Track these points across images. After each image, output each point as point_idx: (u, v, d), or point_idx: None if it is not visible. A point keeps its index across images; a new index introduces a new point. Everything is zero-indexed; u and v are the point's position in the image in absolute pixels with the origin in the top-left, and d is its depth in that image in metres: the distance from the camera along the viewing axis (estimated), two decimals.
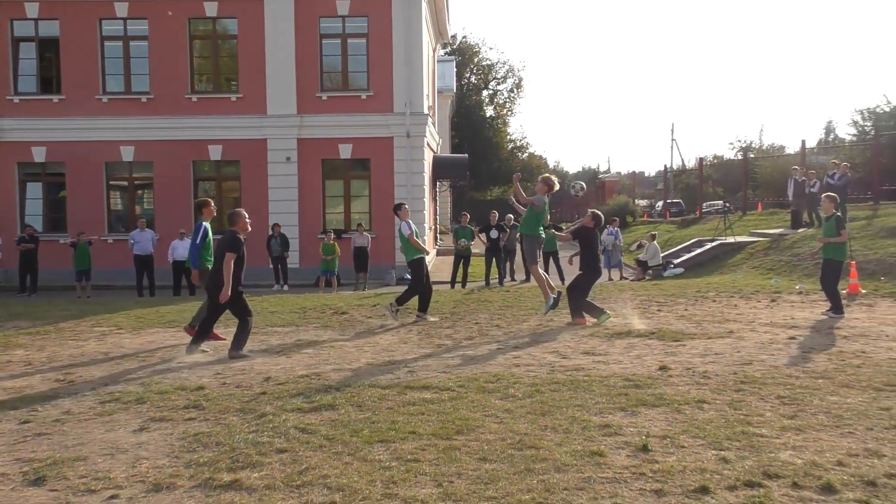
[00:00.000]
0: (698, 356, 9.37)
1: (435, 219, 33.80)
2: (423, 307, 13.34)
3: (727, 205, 33.08)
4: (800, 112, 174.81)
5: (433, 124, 31.54)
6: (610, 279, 23.42)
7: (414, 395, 7.59)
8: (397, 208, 13.62)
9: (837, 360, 8.86)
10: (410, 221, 13.54)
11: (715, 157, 70.08)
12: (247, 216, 10.47)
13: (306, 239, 25.81)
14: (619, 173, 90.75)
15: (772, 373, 8.25)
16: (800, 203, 24.69)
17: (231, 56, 26.34)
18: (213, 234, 11.60)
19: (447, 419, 6.66)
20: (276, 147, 26.00)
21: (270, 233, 23.88)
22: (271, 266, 23.57)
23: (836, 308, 12.56)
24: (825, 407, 6.81)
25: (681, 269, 23.44)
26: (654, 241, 24.63)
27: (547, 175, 12.83)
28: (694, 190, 47.62)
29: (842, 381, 7.80)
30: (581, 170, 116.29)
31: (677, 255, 25.56)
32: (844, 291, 15.42)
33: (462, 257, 21.95)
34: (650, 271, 23.96)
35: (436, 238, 34.09)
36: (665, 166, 53.28)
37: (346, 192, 26.63)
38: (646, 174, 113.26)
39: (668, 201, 47.20)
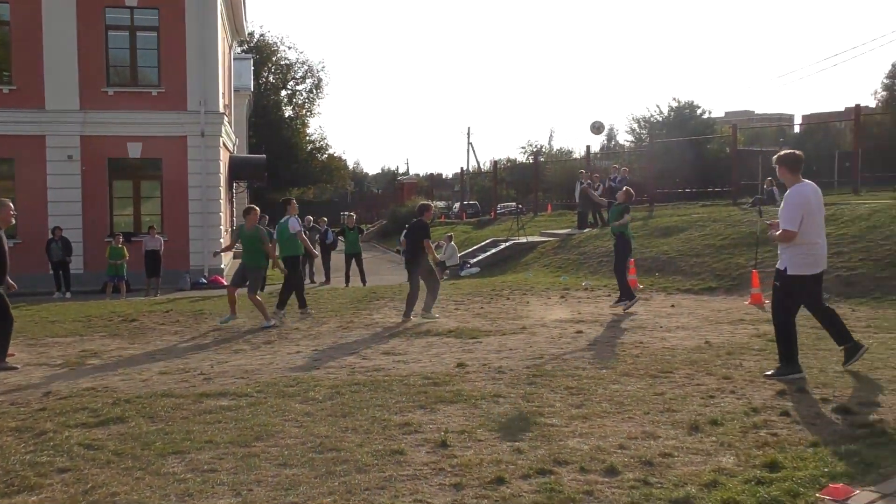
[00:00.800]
0: (494, 352, 9.71)
1: (232, 221, 32.80)
2: (302, 303, 14.00)
3: (520, 206, 34.50)
4: (585, 118, 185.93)
5: (229, 124, 30.64)
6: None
7: (210, 403, 7.33)
8: (286, 203, 14.10)
9: (619, 351, 9.50)
10: (297, 218, 14.08)
11: (508, 160, 72.84)
12: (11, 207, 9.71)
13: (92, 243, 24.25)
14: (417, 175, 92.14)
15: (561, 366, 8.70)
16: (585, 205, 26.22)
17: (3, 44, 24.27)
18: None
19: (245, 426, 6.49)
20: (56, 144, 24.25)
21: (50, 236, 22.27)
22: (52, 272, 21.96)
23: (627, 295, 13.56)
24: (608, 395, 7.27)
25: (477, 269, 24.19)
26: (452, 242, 25.27)
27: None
28: (489, 192, 49.30)
29: (623, 370, 8.36)
30: (380, 171, 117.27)
31: (473, 254, 26.36)
32: None
33: None
34: (447, 271, 24.56)
35: (233, 241, 33.12)
36: (462, 168, 54.96)
37: (135, 193, 25.31)
38: (444, 176, 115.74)
39: (465, 203, 48.56)
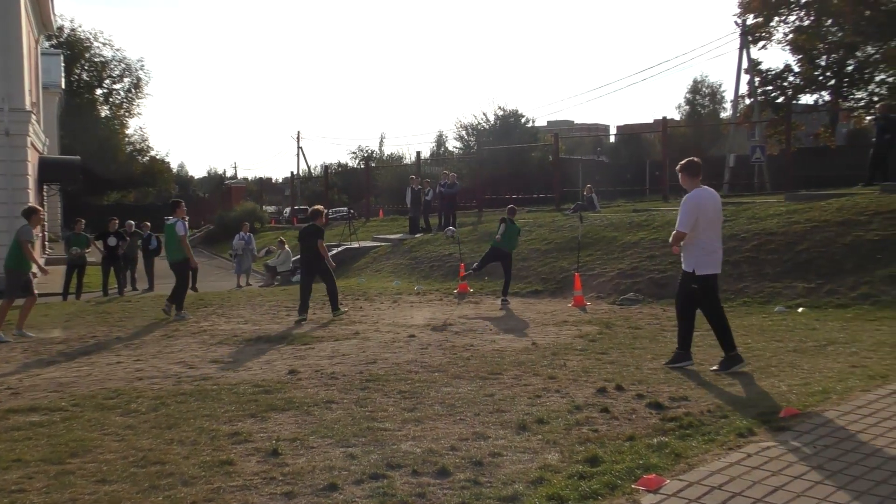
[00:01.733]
0: (326, 358, 9.62)
1: (43, 225, 30.68)
2: (180, 305, 13.95)
3: (351, 211, 34.44)
4: (414, 123, 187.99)
5: (38, 122, 28.67)
6: (239, 285, 23.17)
7: (19, 419, 6.83)
8: (175, 206, 14.18)
9: (450, 354, 9.65)
10: (185, 221, 14.12)
11: (340, 165, 72.45)
12: None
13: None
14: (246, 179, 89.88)
15: (394, 370, 8.74)
16: (416, 210, 26.52)
17: None
18: None
19: (59, 442, 6.09)
20: None
21: None
22: None
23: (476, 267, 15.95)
24: (440, 398, 7.37)
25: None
26: (286, 247, 24.88)
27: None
28: (321, 197, 48.85)
29: (454, 372, 8.50)
30: (207, 174, 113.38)
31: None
32: (455, 291, 16.91)
33: (76, 266, 20.21)
34: (279, 276, 24.13)
35: (44, 246, 30.95)
36: (292, 173, 54.17)
37: None
38: (274, 180, 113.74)
39: (296, 207, 47.88)
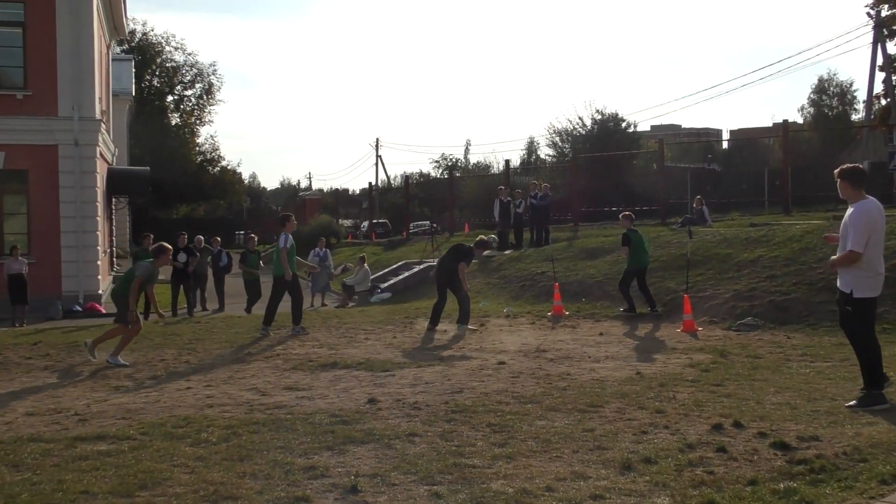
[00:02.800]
0: (408, 386, 9.67)
1: (111, 240, 31.90)
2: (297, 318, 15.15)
3: (434, 225, 34.65)
4: (504, 129, 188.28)
5: (108, 132, 29.85)
6: (311, 305, 23.56)
7: (86, 448, 7.06)
8: (284, 220, 15.28)
9: (545, 384, 9.58)
10: (290, 235, 15.02)
11: (421, 175, 73.07)
12: None
13: None
14: (321, 190, 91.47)
15: (482, 400, 8.72)
16: (506, 224, 26.50)
17: None
18: None
19: (128, 473, 6.27)
20: None
21: None
22: None
23: (629, 308, 16.06)
24: (534, 432, 7.31)
25: (388, 294, 24.14)
26: (365, 265, 25.21)
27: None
28: (400, 209, 49.33)
29: (549, 404, 8.42)
30: (279, 186, 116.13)
31: (384, 278, 26.30)
32: (549, 314, 16.80)
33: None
34: (356, 296, 24.43)
35: (112, 263, 32.16)
36: (370, 184, 55.02)
37: None
38: (350, 192, 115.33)
39: (374, 221, 48.52)
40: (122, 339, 12.45)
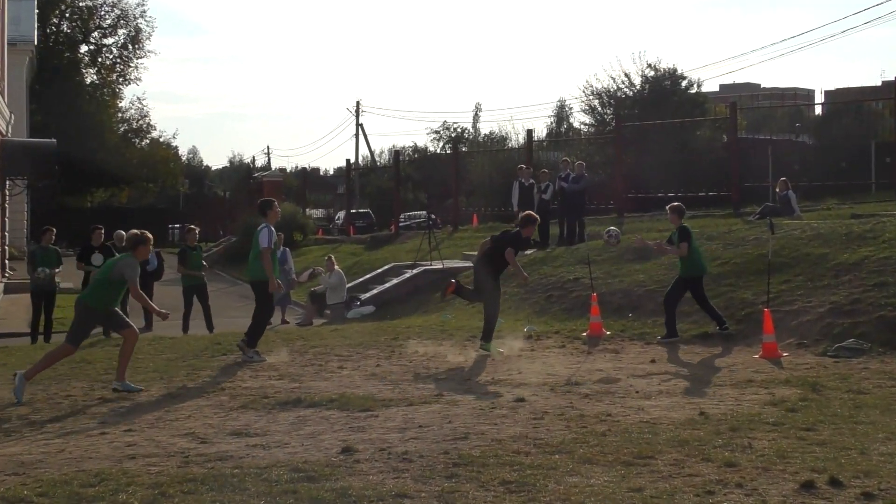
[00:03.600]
0: (396, 431, 9.62)
1: (2, 236, 31.85)
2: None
3: (433, 217, 34.63)
4: (525, 91, 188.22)
5: (1, 93, 29.82)
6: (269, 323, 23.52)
7: None
8: (266, 207, 15.45)
9: (577, 428, 9.52)
10: (273, 229, 15.29)
11: (416, 149, 73.16)
12: None
13: None
14: (283, 170, 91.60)
15: (494, 449, 8.67)
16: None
17: None
18: None
19: None
20: None
21: None
22: None
23: (669, 333, 15.97)
24: (564, 492, 7.26)
25: (370, 308, 24.11)
26: (336, 268, 25.16)
27: None
28: (388, 195, 49.35)
29: (583, 455, 8.38)
30: (228, 164, 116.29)
31: (365, 287, 26.27)
32: (584, 334, 16.76)
33: (44, 294, 20.65)
34: (327, 311, 24.40)
35: (3, 266, 32.12)
36: (348, 162, 54.71)
37: None
38: (323, 172, 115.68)
39: (354, 211, 48.57)
40: (122, 356, 12.70)
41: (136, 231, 13.21)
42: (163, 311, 13.22)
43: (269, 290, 15.20)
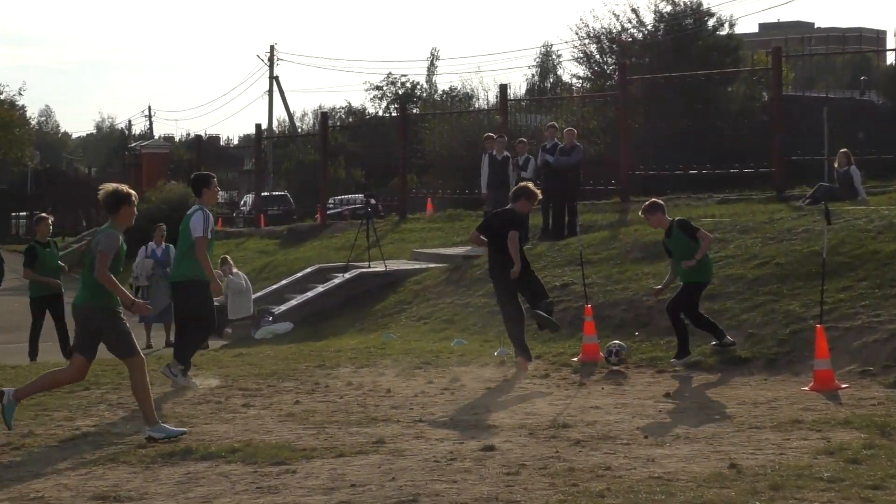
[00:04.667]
0: (320, 492, 9.64)
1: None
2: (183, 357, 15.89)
3: (372, 202, 34.55)
4: (496, 34, 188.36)
5: None
6: (149, 345, 23.43)
7: None
8: (201, 183, 15.79)
9: (565, 487, 9.53)
10: (210, 213, 15.66)
11: (350, 111, 73.13)
12: None
13: None
14: (169, 139, 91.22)
15: None
16: (499, 196, 26.42)
17: None
18: None
19: None
20: None
21: None
22: None
23: (681, 350, 16.15)
24: None
25: (287, 325, 24.03)
26: (235, 270, 25.05)
27: None
28: (313, 173, 49.19)
29: None
30: (95, 132, 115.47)
31: (281, 296, 26.17)
32: (575, 359, 16.78)
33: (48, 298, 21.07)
34: (228, 329, 24.30)
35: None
36: (259, 128, 54.33)
37: None
38: (225, 141, 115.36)
39: (266, 195, 48.43)
40: (137, 378, 12.57)
41: (118, 188, 13.04)
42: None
43: (212, 292, 15.59)
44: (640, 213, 17.60)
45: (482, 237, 17.44)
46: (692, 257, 16.05)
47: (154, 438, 12.02)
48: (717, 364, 16.02)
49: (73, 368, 12.55)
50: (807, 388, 14.20)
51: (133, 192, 13.03)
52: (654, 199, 17.14)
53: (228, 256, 26.66)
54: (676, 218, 16.82)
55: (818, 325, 14.97)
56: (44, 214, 23.99)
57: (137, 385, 12.33)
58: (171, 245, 25.40)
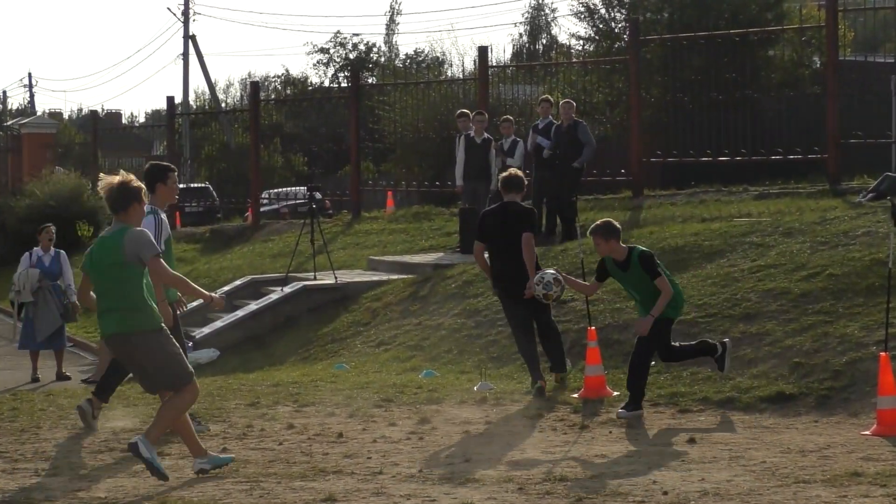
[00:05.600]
0: None
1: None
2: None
3: (317, 196, 34.55)
4: None
5: None
6: (35, 377, 23.49)
7: None
8: (158, 177, 15.67)
9: None
10: (163, 215, 15.74)
11: (288, 79, 73.32)
12: None
13: None
14: (55, 115, 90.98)
15: None
16: (479, 190, 26.49)
17: None
18: None
19: None
20: None
21: None
22: None
23: (633, 400, 16.01)
24: None
25: (212, 352, 24.08)
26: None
27: None
28: (241, 160, 49.21)
29: None
30: None
31: (203, 316, 26.19)
32: (576, 395, 16.87)
33: None
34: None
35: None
36: (171, 101, 54.13)
37: None
38: (129, 118, 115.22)
39: (182, 187, 48.38)
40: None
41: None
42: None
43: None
44: (587, 234, 17.26)
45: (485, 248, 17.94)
46: (654, 299, 16.18)
47: (205, 471, 12.78)
48: (756, 402, 16.08)
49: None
50: (868, 433, 14.27)
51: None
52: (609, 221, 16.93)
53: None
54: (638, 248, 16.72)
55: (882, 354, 15.04)
56: None
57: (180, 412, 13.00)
58: (62, 251, 25.47)
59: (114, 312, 12.71)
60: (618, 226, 16.90)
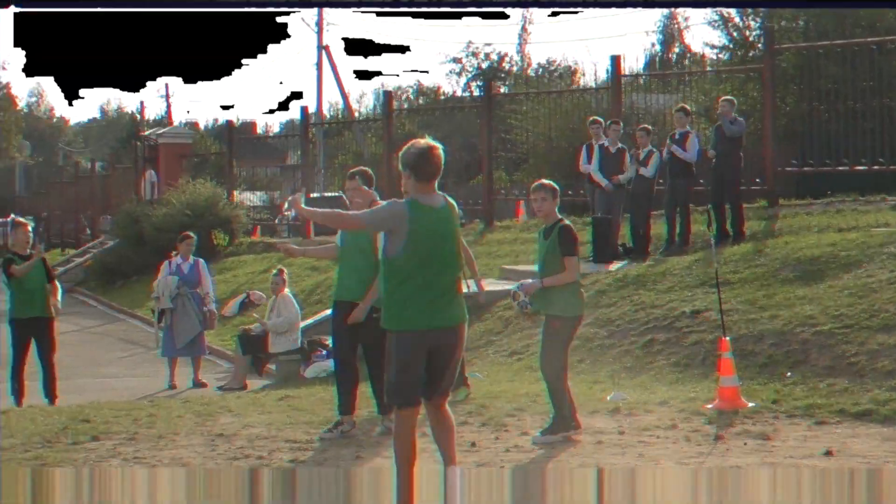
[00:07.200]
0: None
1: None
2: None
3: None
4: None
5: None
6: (172, 384, 23.61)
7: None
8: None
9: None
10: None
11: (422, 89, 73.63)
12: None
13: None
14: (192, 126, 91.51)
15: None
16: (613, 200, 26.40)
17: None
18: None
19: None
20: None
21: None
22: None
23: (556, 424, 15.49)
24: None
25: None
26: (288, 291, 25.13)
27: None
28: (372, 168, 49.21)
29: None
30: (101, 117, 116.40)
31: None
32: (710, 406, 16.74)
33: (34, 325, 21.42)
34: (274, 365, 24.38)
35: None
36: (304, 111, 54.42)
37: None
38: (263, 129, 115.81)
39: (317, 196, 48.52)
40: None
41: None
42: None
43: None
44: (531, 192, 16.87)
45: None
46: (551, 272, 15.97)
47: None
48: (894, 414, 15.90)
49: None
50: None
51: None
52: (549, 181, 16.58)
53: (285, 270, 26.14)
54: (563, 220, 16.25)
55: None
56: (19, 219, 24.17)
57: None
58: (201, 259, 25.59)
59: (459, 297, 12.40)
60: (556, 188, 16.43)
